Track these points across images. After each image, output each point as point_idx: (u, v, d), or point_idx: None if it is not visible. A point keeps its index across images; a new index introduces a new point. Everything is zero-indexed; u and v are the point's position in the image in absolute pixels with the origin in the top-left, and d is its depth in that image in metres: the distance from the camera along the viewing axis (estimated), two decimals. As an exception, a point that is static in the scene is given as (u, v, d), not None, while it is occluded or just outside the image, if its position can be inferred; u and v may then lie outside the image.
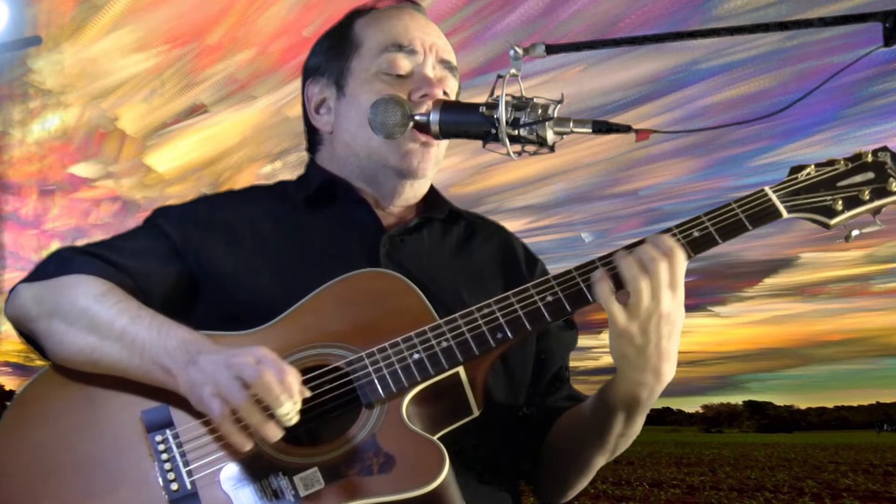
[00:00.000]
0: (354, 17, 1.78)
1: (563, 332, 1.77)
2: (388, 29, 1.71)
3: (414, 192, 1.75)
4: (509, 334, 1.42)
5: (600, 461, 1.61)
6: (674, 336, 1.42)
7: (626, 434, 1.56)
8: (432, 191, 1.81)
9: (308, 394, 1.31)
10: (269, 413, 1.27)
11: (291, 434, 1.37)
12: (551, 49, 1.49)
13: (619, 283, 1.40)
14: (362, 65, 1.70)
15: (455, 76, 1.75)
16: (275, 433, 1.27)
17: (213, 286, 1.59)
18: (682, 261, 1.40)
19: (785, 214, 1.47)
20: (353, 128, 1.69)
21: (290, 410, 1.26)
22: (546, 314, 1.43)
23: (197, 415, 1.38)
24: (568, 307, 1.43)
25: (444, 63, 1.72)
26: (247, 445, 1.29)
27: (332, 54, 1.75)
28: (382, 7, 1.78)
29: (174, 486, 1.32)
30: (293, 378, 1.28)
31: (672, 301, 1.39)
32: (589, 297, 1.42)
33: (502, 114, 1.40)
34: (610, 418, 1.52)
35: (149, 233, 1.65)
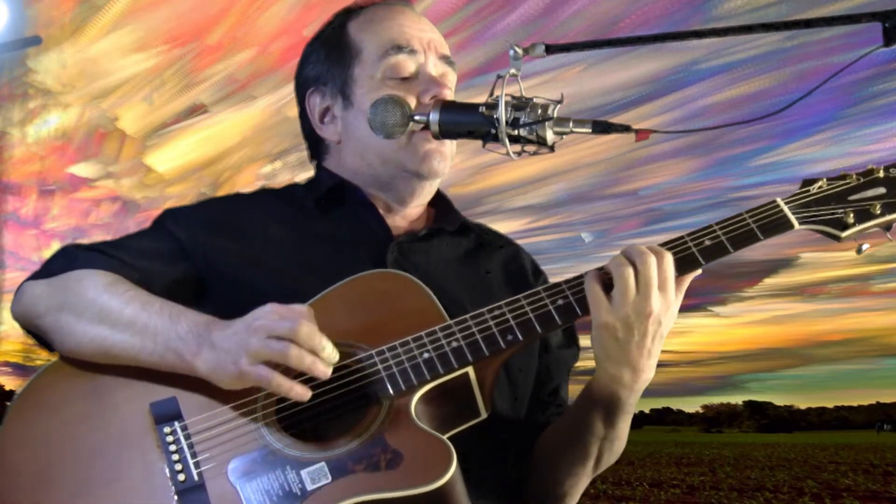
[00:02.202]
0: (345, 20, 1.76)
1: (563, 351, 1.77)
2: (384, 31, 1.69)
3: (431, 190, 1.76)
4: (519, 336, 1.42)
5: (582, 472, 1.59)
6: (657, 338, 1.42)
7: (608, 438, 1.54)
8: (444, 201, 1.81)
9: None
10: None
11: (299, 429, 1.38)
12: (551, 49, 1.49)
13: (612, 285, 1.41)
14: (366, 72, 1.69)
15: (454, 69, 1.75)
16: (326, 370, 1.33)
17: (221, 287, 1.59)
18: (671, 264, 1.41)
19: (796, 226, 1.48)
20: (364, 137, 1.67)
21: (331, 347, 1.33)
22: (556, 317, 1.43)
23: (206, 406, 1.39)
24: (578, 310, 1.44)
25: (444, 59, 1.72)
26: (309, 393, 1.34)
27: (331, 62, 1.74)
28: (371, 5, 1.76)
29: (181, 478, 1.33)
30: (314, 318, 1.34)
31: (662, 303, 1.40)
32: None
33: (502, 114, 1.40)
34: (589, 417, 1.52)
35: (156, 233, 1.66)
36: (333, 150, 1.78)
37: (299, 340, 1.31)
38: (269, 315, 1.34)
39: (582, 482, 1.63)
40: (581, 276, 1.45)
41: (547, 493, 1.64)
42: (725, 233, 1.46)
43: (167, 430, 1.38)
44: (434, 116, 1.49)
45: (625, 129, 1.42)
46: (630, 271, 1.38)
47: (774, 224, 1.47)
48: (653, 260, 1.39)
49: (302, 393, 1.33)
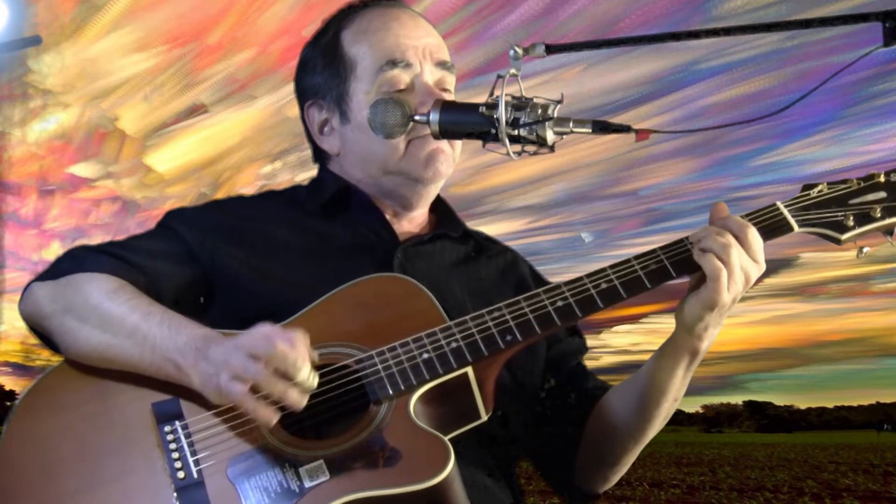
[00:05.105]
0: (340, 27, 1.74)
1: (571, 339, 1.79)
2: (378, 44, 1.68)
3: (435, 191, 1.76)
4: (518, 336, 1.43)
5: (651, 434, 1.63)
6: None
7: (677, 398, 1.58)
8: (446, 207, 1.83)
9: (317, 360, 1.34)
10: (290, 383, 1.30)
11: (299, 428, 1.39)
12: (551, 49, 1.49)
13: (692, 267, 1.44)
14: (362, 87, 1.69)
15: (452, 72, 1.74)
16: (299, 399, 1.31)
17: (227, 290, 1.59)
18: (758, 237, 1.45)
19: (796, 228, 1.49)
20: (364, 150, 1.70)
21: (308, 374, 1.31)
22: (556, 318, 1.44)
23: (207, 407, 1.40)
24: (578, 312, 1.45)
25: (441, 64, 1.71)
26: (274, 418, 1.32)
27: (327, 75, 1.74)
28: (364, 7, 1.74)
29: (181, 475, 1.35)
30: (303, 343, 1.31)
31: (756, 269, 1.44)
32: (599, 303, 1.45)
33: (502, 114, 1.40)
34: (670, 379, 1.54)
35: (163, 235, 1.66)
36: (335, 161, 1.78)
37: (273, 361, 1.29)
38: (255, 334, 1.33)
39: (638, 450, 1.67)
40: (580, 279, 1.46)
41: (607, 465, 1.68)
42: None
43: (168, 429, 1.39)
44: (434, 116, 1.49)
45: (625, 129, 1.42)
46: (752, 265, 1.43)
47: (774, 226, 1.49)
48: (753, 231, 1.44)
49: (267, 416, 1.31)
